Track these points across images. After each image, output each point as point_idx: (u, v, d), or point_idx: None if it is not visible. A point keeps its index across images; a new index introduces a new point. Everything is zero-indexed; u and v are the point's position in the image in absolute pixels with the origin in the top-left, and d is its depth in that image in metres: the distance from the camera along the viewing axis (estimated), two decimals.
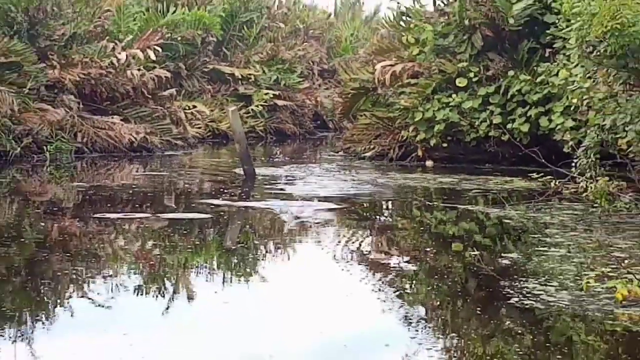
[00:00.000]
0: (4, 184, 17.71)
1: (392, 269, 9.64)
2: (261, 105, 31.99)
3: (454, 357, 6.54)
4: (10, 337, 6.62)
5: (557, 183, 13.79)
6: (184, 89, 30.00)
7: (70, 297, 8.09)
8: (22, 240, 11.14)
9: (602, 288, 7.94)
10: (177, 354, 6.19)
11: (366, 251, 11.00)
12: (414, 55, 22.25)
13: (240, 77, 32.26)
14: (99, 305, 7.66)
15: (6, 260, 9.64)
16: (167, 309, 7.66)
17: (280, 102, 32.98)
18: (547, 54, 19.32)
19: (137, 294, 8.22)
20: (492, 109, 20.47)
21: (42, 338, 6.66)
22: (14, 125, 21.13)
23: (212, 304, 7.92)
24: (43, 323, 7.20)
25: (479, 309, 7.83)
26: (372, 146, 23.08)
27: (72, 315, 7.45)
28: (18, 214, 13.81)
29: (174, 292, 8.38)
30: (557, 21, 15.48)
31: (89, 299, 7.96)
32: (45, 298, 8.10)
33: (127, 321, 7.27)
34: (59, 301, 7.94)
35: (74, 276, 8.85)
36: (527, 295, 7.91)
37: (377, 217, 14.15)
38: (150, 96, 25.89)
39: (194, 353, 6.31)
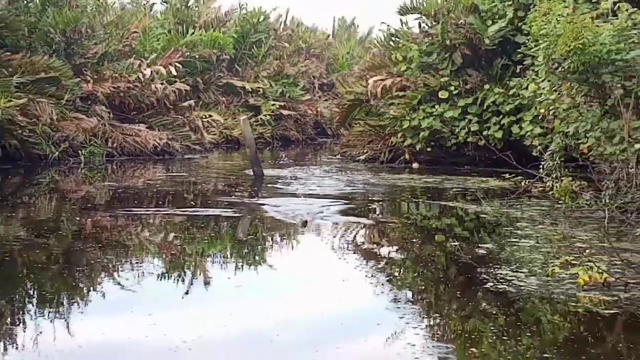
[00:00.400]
0: (44, 183, 17.72)
1: (383, 257, 9.63)
2: (268, 114, 32.00)
3: (437, 334, 6.53)
4: (48, 316, 6.63)
5: (526, 183, 13.81)
6: (201, 101, 30.01)
7: (100, 281, 8.08)
8: (60, 232, 11.15)
9: (566, 274, 7.93)
10: (193, 332, 6.18)
11: (360, 242, 10.96)
12: (402, 71, 22.24)
13: (250, 90, 32.27)
14: (126, 289, 7.66)
15: (46, 250, 9.65)
16: (187, 292, 7.65)
17: (285, 112, 32.99)
18: (518, 70, 19.30)
19: (160, 279, 8.22)
20: (470, 117, 20.47)
21: (76, 317, 6.66)
22: (53, 132, 21.17)
23: (226, 288, 7.91)
24: (77, 304, 7.20)
25: (458, 292, 7.84)
26: (365, 150, 23.08)
27: (102, 297, 7.45)
28: (56, 210, 13.81)
29: (192, 278, 8.37)
30: (526, 41, 15.44)
31: (117, 283, 7.96)
32: (79, 282, 8.10)
33: (150, 303, 7.26)
34: (90, 285, 7.94)
35: (104, 263, 8.84)
36: (501, 280, 7.90)
37: (370, 212, 14.11)
38: (171, 107, 25.91)
39: (208, 332, 6.32)
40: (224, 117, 29.99)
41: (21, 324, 6.44)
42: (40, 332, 6.13)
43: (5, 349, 5.84)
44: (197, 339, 6.01)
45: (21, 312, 6.85)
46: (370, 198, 15.81)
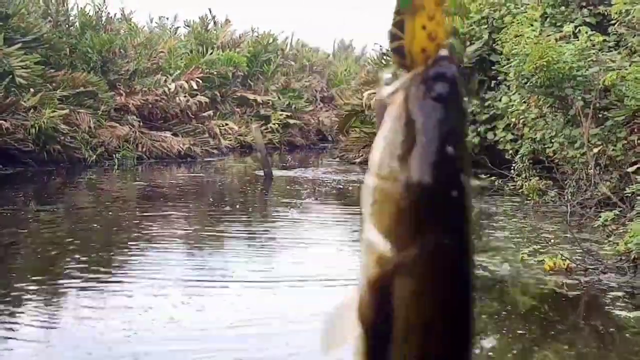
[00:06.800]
0: (83, 183, 17.76)
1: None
2: (277, 123, 31.96)
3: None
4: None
5: (500, 182, 13.82)
6: (218, 111, 29.96)
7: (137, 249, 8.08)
8: (96, 222, 11.16)
9: (534, 261, 7.96)
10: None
11: (357, 234, 10.91)
12: None
13: (261, 102, 32.23)
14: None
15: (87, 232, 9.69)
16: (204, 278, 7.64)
17: (291, 121, 32.95)
18: (492, 85, 19.30)
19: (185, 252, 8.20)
20: None
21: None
22: (90, 138, 21.23)
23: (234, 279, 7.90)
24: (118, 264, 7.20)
25: None
26: (360, 154, 23.06)
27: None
28: (93, 204, 13.83)
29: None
30: (500, 60, 15.46)
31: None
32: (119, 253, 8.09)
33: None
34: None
35: (143, 237, 8.83)
36: (478, 266, 7.92)
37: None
38: (193, 116, 25.93)
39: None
40: (239, 125, 29.95)
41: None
42: None
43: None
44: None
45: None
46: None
